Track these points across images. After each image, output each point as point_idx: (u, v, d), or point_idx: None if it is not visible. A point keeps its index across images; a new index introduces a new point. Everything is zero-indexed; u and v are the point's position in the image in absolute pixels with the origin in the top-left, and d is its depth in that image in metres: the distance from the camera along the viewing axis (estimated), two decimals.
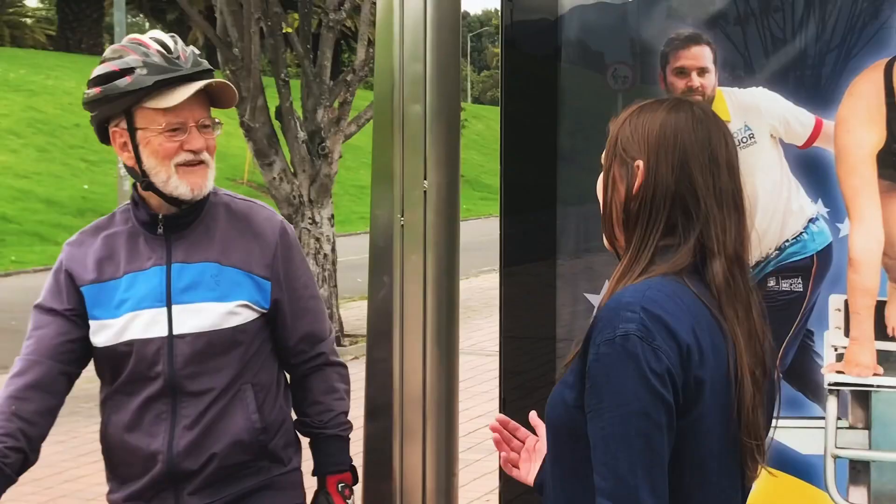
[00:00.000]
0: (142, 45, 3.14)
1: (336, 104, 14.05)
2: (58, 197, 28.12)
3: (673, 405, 2.03)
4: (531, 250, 3.23)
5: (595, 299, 3.13)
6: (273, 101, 13.68)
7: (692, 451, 2.09)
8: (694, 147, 2.17)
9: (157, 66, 3.08)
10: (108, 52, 3.20)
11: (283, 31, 13.73)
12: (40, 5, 71.97)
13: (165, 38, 3.18)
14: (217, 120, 3.19)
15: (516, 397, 3.25)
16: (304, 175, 13.69)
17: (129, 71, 3.08)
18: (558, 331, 3.18)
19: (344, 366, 3.40)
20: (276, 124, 13.76)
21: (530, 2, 3.22)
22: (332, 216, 14.02)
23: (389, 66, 3.37)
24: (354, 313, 16.03)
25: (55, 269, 3.25)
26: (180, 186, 3.11)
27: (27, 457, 3.10)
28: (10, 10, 62.43)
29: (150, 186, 3.14)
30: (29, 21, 66.43)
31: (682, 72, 3.04)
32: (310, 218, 13.69)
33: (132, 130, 3.12)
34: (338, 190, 14.40)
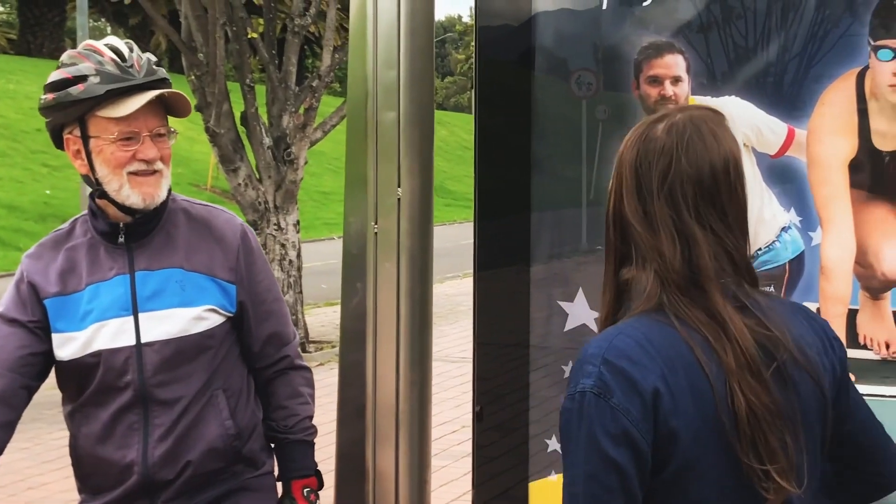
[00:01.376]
0: (96, 52, 3.12)
1: (302, 110, 14.01)
2: (19, 202, 27.89)
3: (630, 469, 1.97)
4: (505, 256, 3.24)
5: (569, 307, 3.14)
6: (238, 107, 13.63)
7: (683, 502, 2.03)
8: (630, 168, 2.13)
9: (110, 74, 3.06)
10: (64, 57, 3.18)
11: (249, 36, 13.68)
12: (1, 9, 71.45)
13: (121, 45, 3.15)
14: (172, 129, 3.17)
15: (486, 402, 3.25)
16: (269, 181, 13.65)
17: (81, 79, 3.06)
18: (532, 338, 3.18)
19: (308, 369, 3.41)
20: (242, 130, 13.71)
21: (501, 9, 3.23)
22: (298, 222, 13.99)
23: (363, 73, 3.38)
24: (319, 319, 16.01)
25: (17, 280, 3.21)
26: (132, 196, 3.10)
27: None
28: None
29: (103, 195, 3.12)
30: None
31: (656, 80, 3.05)
32: (275, 224, 13.65)
33: (85, 138, 3.10)
34: (302, 196, 14.37)
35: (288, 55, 13.93)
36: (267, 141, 13.66)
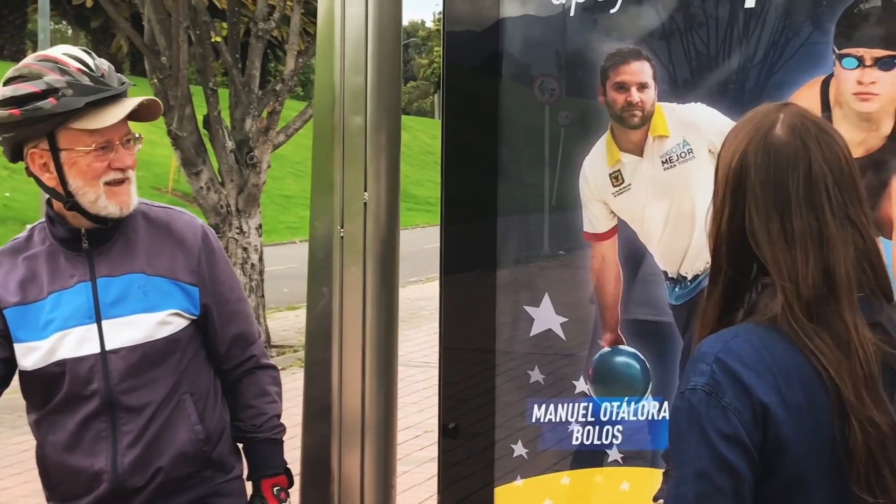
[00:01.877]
0: (59, 63, 3.02)
1: (265, 114, 13.98)
2: None
3: (742, 469, 1.90)
4: (471, 261, 3.25)
5: (535, 312, 3.16)
6: (201, 110, 13.58)
7: None
8: (759, 182, 2.01)
9: (85, 86, 2.99)
10: (18, 70, 3.06)
11: (212, 39, 13.64)
12: None
13: (81, 54, 3.08)
14: (138, 135, 3.12)
15: (450, 406, 3.26)
16: (231, 184, 13.60)
17: (52, 92, 2.97)
18: (498, 343, 3.19)
19: (275, 368, 3.40)
20: (204, 133, 13.66)
21: (468, 15, 3.24)
22: (260, 226, 13.95)
23: (330, 78, 3.38)
24: (281, 324, 15.96)
25: None
26: (109, 206, 3.06)
27: None
28: None
29: (75, 206, 3.07)
30: None
31: (622, 87, 3.07)
32: (237, 227, 13.60)
33: (55, 151, 3.03)
34: (264, 200, 14.34)
35: (251, 59, 13.90)
36: (229, 144, 13.61)
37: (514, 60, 3.21)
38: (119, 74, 3.10)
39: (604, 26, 3.12)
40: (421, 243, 22.43)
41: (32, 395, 3.18)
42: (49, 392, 3.12)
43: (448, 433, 3.19)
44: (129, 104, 3.03)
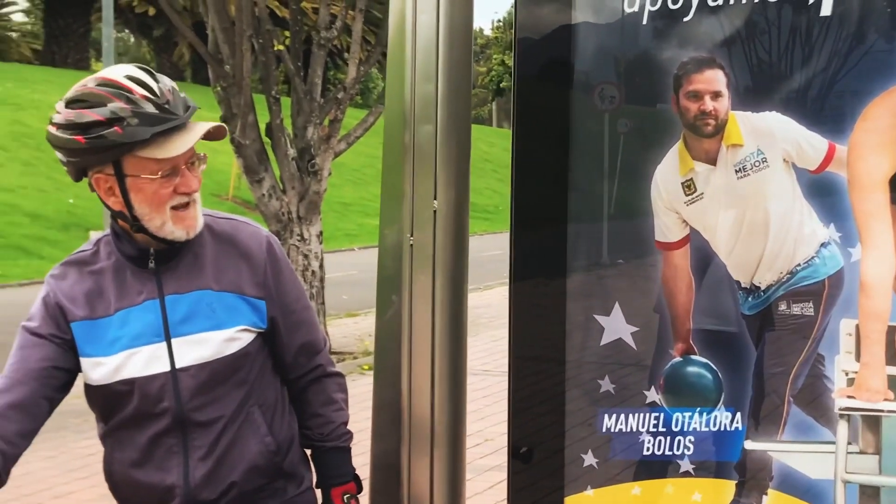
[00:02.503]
0: (123, 89, 2.96)
1: (326, 122, 14.06)
2: (43, 211, 28.07)
3: None
4: (541, 269, 3.23)
5: (605, 321, 3.14)
6: (263, 118, 13.68)
7: None
8: None
9: (150, 115, 2.93)
10: (81, 93, 2.99)
11: (275, 48, 13.73)
12: (26, 20, 71.82)
13: (144, 76, 3.01)
14: (203, 154, 3.09)
15: (520, 421, 3.24)
16: (293, 192, 13.70)
17: (117, 121, 2.91)
18: (568, 353, 3.17)
19: (341, 375, 3.40)
20: (266, 141, 13.76)
21: (540, 23, 3.22)
22: (321, 233, 14.02)
23: (400, 86, 3.38)
24: (341, 331, 16.03)
25: (44, 297, 3.15)
26: (176, 231, 3.04)
27: (0, 478, 2.99)
28: None
29: (142, 230, 3.05)
30: (14, 35, 66.31)
31: (696, 95, 3.05)
32: (298, 235, 13.69)
33: (120, 176, 2.99)
34: (323, 207, 14.41)
35: (313, 67, 13.99)
36: (291, 152, 13.71)
37: (584, 68, 3.19)
38: (184, 95, 3.05)
39: (676, 34, 3.10)
40: (479, 251, 22.47)
41: (96, 407, 3.19)
42: (115, 407, 3.13)
43: (520, 457, 3.16)
44: (196, 132, 2.99)
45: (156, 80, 3.00)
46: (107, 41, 24.01)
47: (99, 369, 3.09)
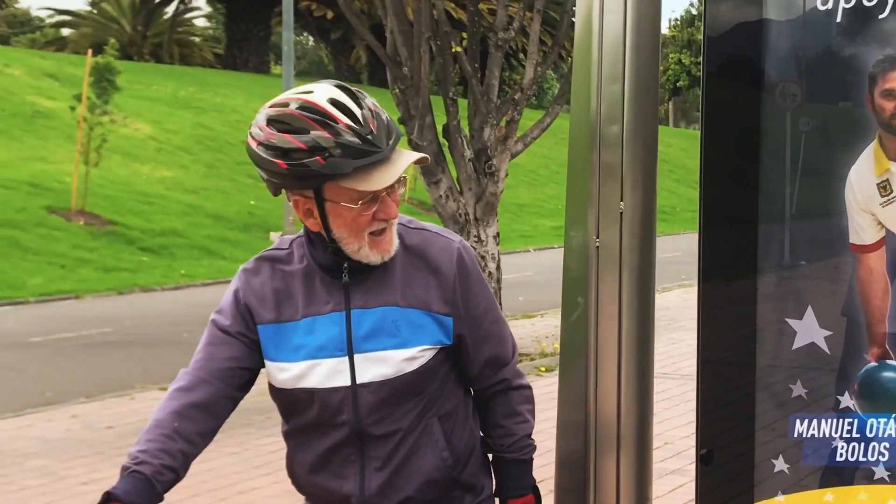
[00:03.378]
0: (328, 117, 2.90)
1: (503, 123, 14.11)
2: (225, 212, 28.78)
3: None
4: (731, 271, 3.19)
5: (797, 324, 3.08)
6: (440, 120, 13.80)
7: None
8: None
9: (354, 148, 2.88)
10: (283, 115, 2.93)
11: (452, 49, 13.84)
12: (208, 25, 73.89)
13: (347, 100, 2.93)
14: (403, 176, 3.00)
15: (708, 422, 3.20)
16: (470, 193, 13.78)
17: (319, 151, 2.87)
18: (759, 356, 3.13)
19: (528, 387, 3.35)
20: (443, 142, 13.87)
21: (730, 21, 3.18)
22: (498, 234, 14.07)
23: (587, 87, 3.38)
24: (517, 332, 16.02)
25: (234, 293, 3.17)
26: (371, 256, 3.03)
27: (178, 476, 3.04)
28: (180, 30, 64.25)
29: (338, 252, 3.05)
30: (197, 40, 68.32)
31: (891, 94, 2.97)
32: (475, 236, 13.76)
33: (320, 200, 2.98)
34: (498, 208, 14.47)
35: (490, 68, 14.05)
36: (468, 153, 13.79)
37: (773, 67, 3.14)
38: (388, 119, 2.98)
39: (872, 31, 3.03)
40: (657, 253, 22.15)
41: (279, 405, 3.24)
42: (296, 411, 3.17)
43: (705, 460, 3.12)
44: (400, 164, 2.96)
45: (359, 106, 2.94)
46: (286, 45, 24.52)
47: (282, 374, 3.12)
